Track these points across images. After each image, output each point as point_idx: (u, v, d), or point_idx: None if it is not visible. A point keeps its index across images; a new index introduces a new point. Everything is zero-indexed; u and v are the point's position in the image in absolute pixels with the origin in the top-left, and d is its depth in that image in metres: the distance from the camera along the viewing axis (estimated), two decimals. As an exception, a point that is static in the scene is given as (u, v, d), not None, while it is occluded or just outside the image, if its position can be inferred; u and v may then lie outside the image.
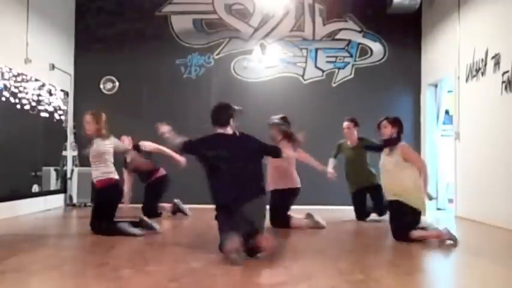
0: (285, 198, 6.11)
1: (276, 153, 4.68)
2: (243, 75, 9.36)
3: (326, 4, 9.39)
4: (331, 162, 7.08)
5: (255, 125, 8.97)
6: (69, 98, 8.97)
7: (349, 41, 9.37)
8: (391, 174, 5.05)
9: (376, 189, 6.61)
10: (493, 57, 6.62)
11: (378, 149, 5.44)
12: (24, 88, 7.28)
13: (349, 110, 8.80)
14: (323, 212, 7.26)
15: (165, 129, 4.45)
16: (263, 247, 4.03)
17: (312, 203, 7.69)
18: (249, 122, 9.28)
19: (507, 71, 6.24)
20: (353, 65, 9.38)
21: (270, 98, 9.20)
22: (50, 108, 8.12)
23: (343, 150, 7.14)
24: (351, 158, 7.01)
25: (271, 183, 6.11)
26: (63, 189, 8.63)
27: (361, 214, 6.88)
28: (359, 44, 9.38)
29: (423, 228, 5.06)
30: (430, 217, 7.78)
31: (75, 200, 8.67)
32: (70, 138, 8.85)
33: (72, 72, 9.18)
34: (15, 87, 7.04)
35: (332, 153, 7.21)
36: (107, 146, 5.48)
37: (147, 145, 6.64)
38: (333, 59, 9.39)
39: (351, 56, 9.38)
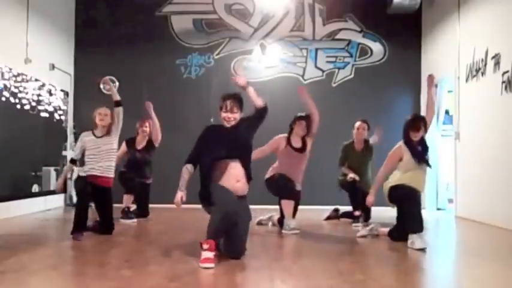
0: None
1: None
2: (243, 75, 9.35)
3: (326, 4, 9.39)
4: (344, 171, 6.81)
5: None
6: (69, 98, 8.97)
7: (349, 41, 9.38)
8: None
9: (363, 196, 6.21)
10: (493, 57, 6.62)
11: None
12: (24, 88, 7.28)
13: (349, 110, 8.83)
14: (321, 212, 7.26)
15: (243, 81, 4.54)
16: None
17: (311, 203, 7.70)
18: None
19: (507, 71, 6.24)
20: (353, 65, 9.38)
21: (270, 98, 9.03)
22: (50, 108, 8.13)
23: (349, 152, 6.82)
24: (357, 161, 6.76)
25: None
26: (63, 189, 8.61)
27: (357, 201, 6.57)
28: (359, 44, 9.38)
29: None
30: (430, 217, 7.80)
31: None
32: (70, 138, 8.85)
33: (72, 72, 9.18)
34: (15, 87, 7.04)
35: (340, 160, 6.85)
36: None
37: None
38: (333, 59, 9.39)
39: (351, 56, 9.39)
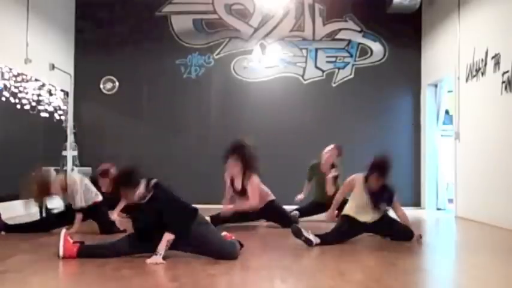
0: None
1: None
2: (243, 75, 9.36)
3: (326, 4, 9.39)
4: (307, 187, 6.89)
5: (254, 125, 9.05)
6: (69, 98, 8.96)
7: (349, 41, 9.38)
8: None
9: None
10: (493, 57, 6.62)
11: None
12: (24, 88, 7.28)
13: (349, 110, 8.85)
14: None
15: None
16: None
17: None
18: (249, 122, 9.35)
19: (507, 71, 6.24)
20: (353, 65, 9.38)
21: (270, 98, 9.20)
22: (50, 108, 8.12)
23: (315, 171, 6.79)
24: (321, 182, 6.67)
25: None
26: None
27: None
28: (359, 44, 9.38)
29: None
30: (430, 217, 7.81)
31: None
32: (70, 138, 8.84)
33: (72, 72, 9.18)
34: (15, 87, 7.04)
35: (307, 178, 6.93)
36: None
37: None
38: (333, 59, 9.39)
39: (351, 56, 9.38)
